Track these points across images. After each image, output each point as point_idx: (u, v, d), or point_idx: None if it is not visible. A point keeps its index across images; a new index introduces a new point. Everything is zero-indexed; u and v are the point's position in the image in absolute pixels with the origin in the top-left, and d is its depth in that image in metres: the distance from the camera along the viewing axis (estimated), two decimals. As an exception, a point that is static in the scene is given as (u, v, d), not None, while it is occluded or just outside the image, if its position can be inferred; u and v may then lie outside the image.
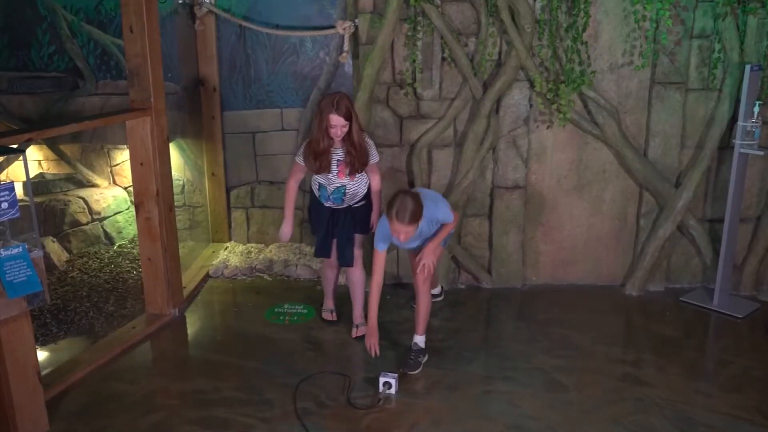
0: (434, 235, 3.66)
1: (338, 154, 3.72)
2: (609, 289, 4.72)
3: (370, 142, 3.82)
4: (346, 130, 3.63)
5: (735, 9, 4.20)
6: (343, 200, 3.81)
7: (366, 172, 3.83)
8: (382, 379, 3.41)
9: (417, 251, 3.76)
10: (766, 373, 3.63)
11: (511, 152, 4.52)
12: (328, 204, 3.85)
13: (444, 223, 3.63)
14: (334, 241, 3.93)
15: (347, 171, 3.72)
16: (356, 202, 3.88)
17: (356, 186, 3.79)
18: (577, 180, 4.61)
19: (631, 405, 3.33)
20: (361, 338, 3.88)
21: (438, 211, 3.59)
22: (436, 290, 4.48)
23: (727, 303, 4.41)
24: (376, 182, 3.89)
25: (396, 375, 3.44)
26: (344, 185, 3.76)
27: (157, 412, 3.29)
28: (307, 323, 4.25)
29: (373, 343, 3.68)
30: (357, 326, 4.07)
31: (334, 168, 3.73)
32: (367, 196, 3.91)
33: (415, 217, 3.36)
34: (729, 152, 4.38)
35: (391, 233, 3.47)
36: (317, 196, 3.88)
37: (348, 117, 3.61)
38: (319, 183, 3.82)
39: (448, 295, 4.62)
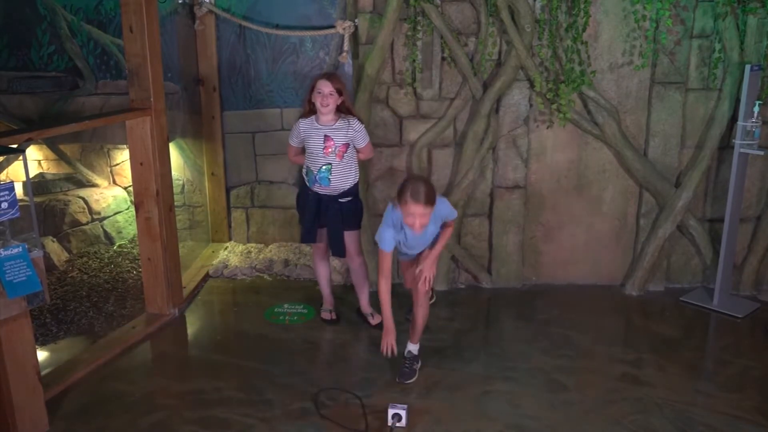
0: (434, 242, 3.55)
1: (326, 129, 3.81)
2: (609, 289, 4.72)
3: (362, 128, 3.90)
4: (333, 98, 3.74)
5: (735, 9, 4.20)
6: (329, 181, 3.84)
7: (357, 153, 3.93)
8: (391, 411, 3.16)
9: (411, 262, 3.72)
10: (766, 373, 3.63)
11: (511, 152, 4.52)
12: (315, 188, 3.89)
13: (447, 221, 3.51)
14: (323, 230, 3.99)
15: (333, 146, 3.80)
16: (344, 197, 3.89)
17: (343, 167, 3.84)
18: (577, 180, 4.61)
19: (631, 405, 3.33)
20: (378, 327, 3.87)
21: (443, 206, 3.42)
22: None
23: (727, 303, 4.41)
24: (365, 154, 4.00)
25: (405, 406, 3.17)
26: (330, 164, 3.81)
27: (157, 412, 3.28)
28: (307, 323, 4.25)
29: (389, 342, 3.50)
30: (371, 314, 4.14)
31: (320, 144, 3.81)
32: (355, 192, 3.94)
33: (430, 198, 3.21)
34: (729, 152, 4.38)
35: (404, 220, 3.27)
36: (305, 181, 3.95)
37: (335, 83, 3.75)
38: (306, 167, 3.91)
39: (448, 295, 4.62)
